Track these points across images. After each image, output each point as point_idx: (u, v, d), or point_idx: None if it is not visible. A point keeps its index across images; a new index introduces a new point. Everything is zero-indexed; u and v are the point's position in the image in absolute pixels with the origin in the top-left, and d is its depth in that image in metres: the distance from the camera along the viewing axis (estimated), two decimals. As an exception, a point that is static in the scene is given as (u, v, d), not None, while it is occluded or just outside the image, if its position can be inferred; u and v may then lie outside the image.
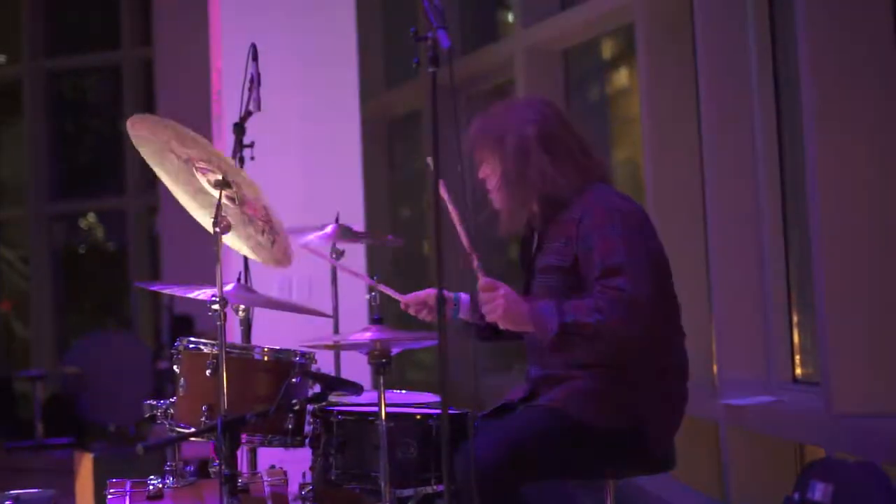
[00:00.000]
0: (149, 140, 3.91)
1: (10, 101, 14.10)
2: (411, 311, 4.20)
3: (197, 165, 3.85)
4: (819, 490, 3.21)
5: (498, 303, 3.71)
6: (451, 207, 3.73)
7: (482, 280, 3.75)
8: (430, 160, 3.50)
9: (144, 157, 3.99)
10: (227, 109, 6.75)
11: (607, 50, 8.04)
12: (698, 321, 6.07)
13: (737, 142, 5.66)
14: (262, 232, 3.94)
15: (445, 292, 4.00)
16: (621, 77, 7.99)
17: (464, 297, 4.18)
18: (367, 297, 4.28)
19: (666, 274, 3.84)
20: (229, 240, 4.05)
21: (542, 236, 3.92)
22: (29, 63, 13.79)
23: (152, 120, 3.85)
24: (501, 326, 3.74)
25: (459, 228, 3.67)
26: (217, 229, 3.74)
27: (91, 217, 14.32)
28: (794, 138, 5.40)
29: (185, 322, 10.53)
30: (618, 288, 3.62)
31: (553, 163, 3.85)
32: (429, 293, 4.13)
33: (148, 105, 12.94)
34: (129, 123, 3.85)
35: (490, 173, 3.93)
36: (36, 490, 5.09)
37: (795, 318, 5.54)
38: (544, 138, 3.87)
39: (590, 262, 3.72)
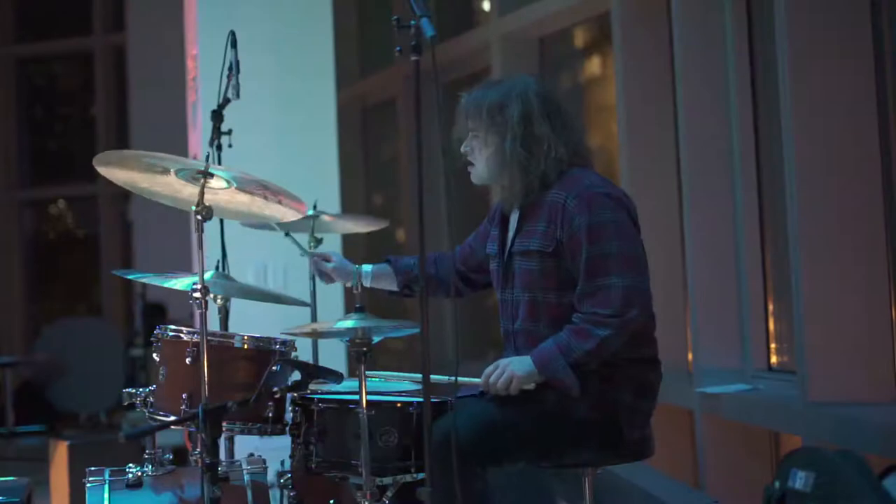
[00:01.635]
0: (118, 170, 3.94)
1: (-21, 86, 14.02)
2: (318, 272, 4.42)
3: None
4: (800, 478, 3.22)
5: (508, 374, 3.72)
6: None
7: (483, 378, 3.76)
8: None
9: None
10: (202, 97, 6.73)
11: (581, 37, 8.04)
12: (674, 310, 6.10)
13: (713, 129, 5.67)
14: (265, 198, 3.94)
15: (349, 264, 4.28)
16: (595, 65, 7.99)
17: (367, 267, 4.30)
18: (348, 284, 4.28)
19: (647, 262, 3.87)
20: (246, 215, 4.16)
21: (522, 218, 3.91)
22: (-1, 49, 13.72)
23: (116, 156, 3.87)
24: (516, 392, 3.74)
25: None
26: (199, 217, 3.72)
27: (61, 203, 14.25)
28: (771, 125, 5.41)
29: (157, 309, 10.51)
30: (612, 285, 3.66)
31: (554, 137, 3.84)
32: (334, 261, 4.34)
33: (120, 92, 12.88)
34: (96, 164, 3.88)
35: (482, 146, 3.89)
36: (10, 478, 5.07)
37: (771, 307, 5.56)
38: (547, 112, 3.86)
39: (576, 250, 3.72)
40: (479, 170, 3.92)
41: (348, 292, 4.42)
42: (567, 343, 3.67)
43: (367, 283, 4.28)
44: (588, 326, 3.66)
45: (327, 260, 4.37)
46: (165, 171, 3.84)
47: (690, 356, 5.91)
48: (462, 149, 3.93)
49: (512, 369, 3.72)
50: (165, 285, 4.02)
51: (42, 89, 14.52)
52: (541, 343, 3.74)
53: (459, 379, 3.66)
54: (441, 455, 3.52)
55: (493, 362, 3.82)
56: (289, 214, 4.06)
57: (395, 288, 4.32)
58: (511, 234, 3.94)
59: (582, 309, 3.70)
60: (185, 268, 4.11)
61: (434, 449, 3.51)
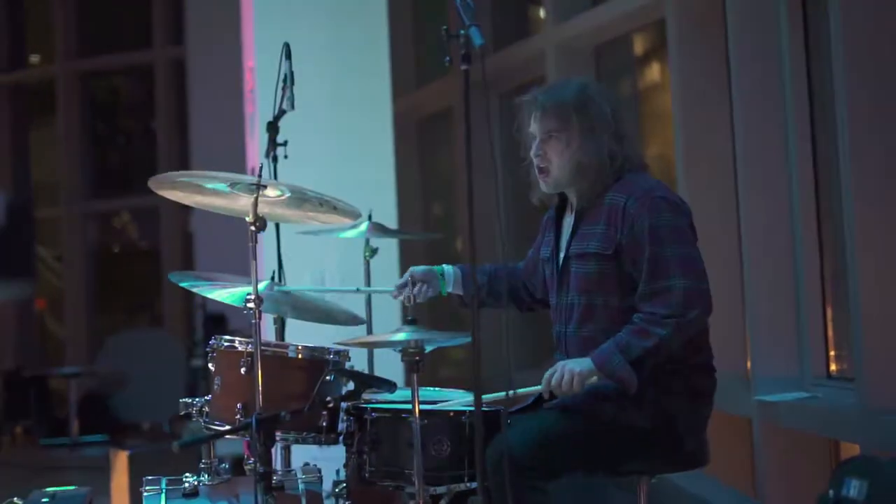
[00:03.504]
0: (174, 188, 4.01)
1: (43, 101, 14.21)
2: (402, 299, 4.21)
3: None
4: (854, 487, 3.20)
5: (566, 373, 3.69)
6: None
7: (544, 383, 3.74)
8: None
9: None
10: (259, 108, 6.78)
11: (639, 45, 8.03)
12: (732, 317, 6.05)
13: (769, 135, 5.64)
14: (321, 205, 3.96)
15: (427, 268, 4.14)
16: (653, 72, 7.97)
17: (448, 269, 4.20)
18: (400, 282, 4.26)
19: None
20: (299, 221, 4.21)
21: (578, 221, 3.91)
22: (62, 63, 13.90)
23: (170, 177, 3.94)
24: (580, 389, 3.72)
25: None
26: (253, 228, 3.76)
27: (125, 216, 14.41)
28: (828, 131, 5.37)
29: (217, 320, 10.59)
30: (673, 287, 3.66)
31: (626, 136, 3.88)
32: (412, 272, 4.15)
33: (180, 105, 13.00)
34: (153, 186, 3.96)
35: (563, 146, 3.84)
36: (72, 487, 5.13)
37: (829, 314, 5.51)
38: (619, 112, 3.90)
39: (637, 252, 3.72)
40: (556, 174, 3.88)
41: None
42: (627, 342, 3.66)
43: (450, 288, 4.18)
44: (647, 326, 3.66)
45: (407, 284, 4.21)
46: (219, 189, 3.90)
47: (748, 364, 5.87)
48: (533, 153, 3.90)
49: (571, 367, 3.70)
50: (214, 295, 4.04)
51: (104, 103, 14.68)
52: (594, 347, 3.73)
53: (518, 391, 3.67)
54: (499, 470, 3.53)
55: (548, 368, 3.83)
56: (344, 222, 4.10)
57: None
58: (566, 237, 3.94)
59: (643, 309, 3.70)
60: (245, 277, 4.14)
61: (492, 465, 3.53)
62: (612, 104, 3.89)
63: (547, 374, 3.75)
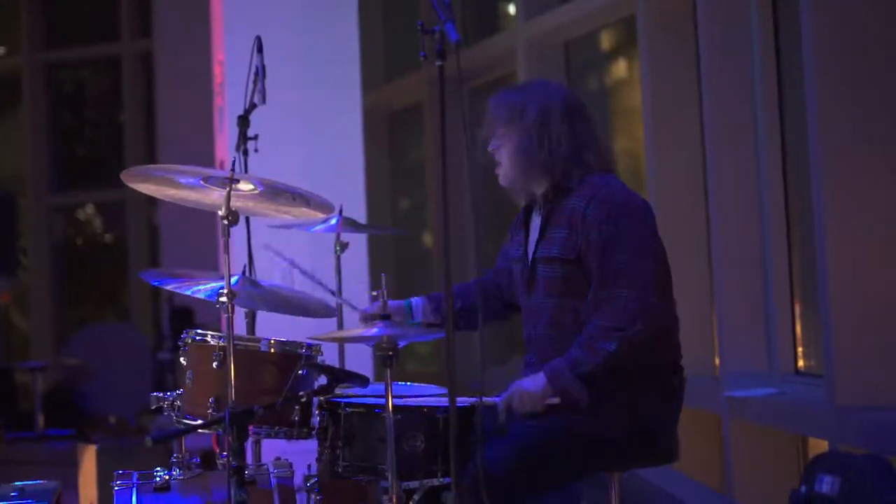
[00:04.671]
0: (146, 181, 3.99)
1: (9, 93, 14.10)
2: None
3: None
4: (826, 483, 3.22)
5: (521, 397, 3.75)
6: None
7: (501, 403, 3.79)
8: None
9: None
10: (229, 102, 6.76)
11: (607, 41, 8.04)
12: (701, 314, 6.09)
13: (739, 132, 5.66)
14: (294, 199, 3.96)
15: (394, 302, 4.08)
16: (621, 68, 7.99)
17: (416, 301, 4.25)
18: (375, 292, 4.27)
19: (666, 271, 3.85)
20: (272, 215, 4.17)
21: (544, 223, 3.92)
22: (28, 55, 13.78)
23: (143, 170, 3.91)
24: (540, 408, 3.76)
25: None
26: (225, 222, 3.74)
27: (89, 208, 14.32)
28: (798, 127, 5.40)
29: (185, 313, 10.54)
30: (619, 297, 3.67)
31: (572, 138, 3.86)
32: (387, 306, 3.95)
33: (148, 97, 12.93)
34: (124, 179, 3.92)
35: (505, 144, 3.90)
36: (40, 482, 5.09)
37: (798, 310, 5.54)
38: (566, 113, 3.88)
39: (591, 258, 3.73)
40: (506, 166, 3.93)
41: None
42: (576, 357, 3.69)
43: (418, 318, 4.23)
44: (595, 342, 3.68)
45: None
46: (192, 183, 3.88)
47: (718, 360, 5.90)
48: (489, 147, 3.94)
49: (523, 389, 3.75)
50: (189, 293, 4.02)
51: (71, 95, 14.58)
52: (564, 349, 3.75)
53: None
54: (477, 492, 3.53)
55: (518, 361, 3.82)
56: (316, 216, 4.08)
57: (436, 321, 4.27)
58: (533, 239, 3.95)
59: (592, 321, 3.72)
60: (213, 270, 4.12)
61: (470, 487, 3.53)
62: (569, 106, 3.89)
63: (503, 400, 3.79)
